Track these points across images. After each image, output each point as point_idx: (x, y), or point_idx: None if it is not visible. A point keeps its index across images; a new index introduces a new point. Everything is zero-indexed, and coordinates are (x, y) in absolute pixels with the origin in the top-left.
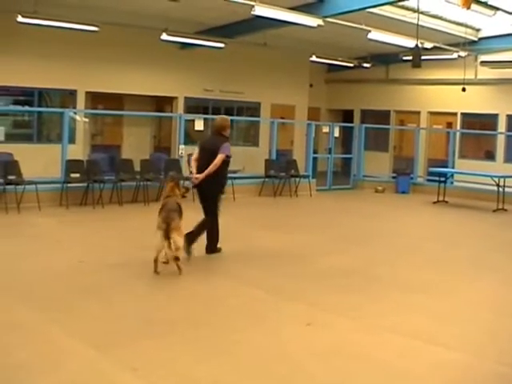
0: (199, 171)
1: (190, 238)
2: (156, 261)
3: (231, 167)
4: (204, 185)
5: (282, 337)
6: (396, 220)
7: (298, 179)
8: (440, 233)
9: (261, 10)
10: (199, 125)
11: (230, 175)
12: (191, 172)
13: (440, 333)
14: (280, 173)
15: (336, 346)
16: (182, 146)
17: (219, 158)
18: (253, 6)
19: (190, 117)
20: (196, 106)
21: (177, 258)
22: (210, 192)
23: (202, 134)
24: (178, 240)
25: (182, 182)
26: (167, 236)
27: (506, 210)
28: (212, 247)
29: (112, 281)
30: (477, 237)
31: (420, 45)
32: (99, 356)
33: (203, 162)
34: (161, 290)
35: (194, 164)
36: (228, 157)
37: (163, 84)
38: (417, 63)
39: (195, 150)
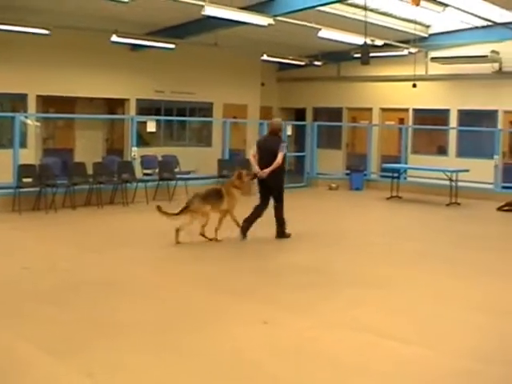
0: (260, 167)
1: (247, 224)
2: (176, 232)
3: (184, 168)
4: (269, 178)
5: (239, 336)
6: (350, 216)
7: None
8: (394, 228)
9: (211, 10)
10: (151, 126)
11: (182, 176)
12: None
13: (398, 328)
14: (233, 172)
15: (294, 344)
16: (134, 148)
17: (280, 156)
18: (203, 6)
19: (142, 119)
20: (148, 108)
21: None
22: (276, 184)
23: (154, 136)
24: (187, 219)
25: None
26: (180, 212)
27: (459, 204)
28: (282, 232)
29: (63, 286)
30: (431, 231)
31: (370, 42)
32: (55, 362)
33: (264, 159)
34: (113, 293)
35: (253, 160)
36: (285, 154)
37: (115, 86)
38: (365, 60)
39: (253, 148)
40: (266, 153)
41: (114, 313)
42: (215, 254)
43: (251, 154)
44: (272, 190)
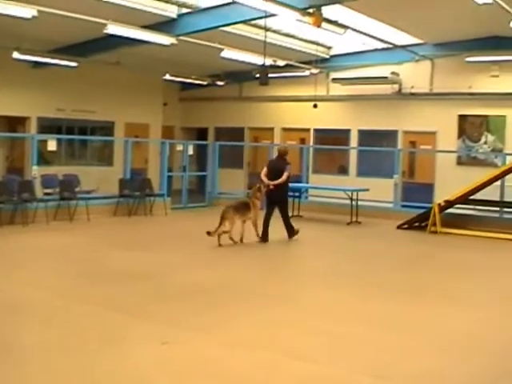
0: None
1: (264, 231)
2: (218, 236)
3: (85, 188)
4: (276, 193)
5: (137, 357)
6: (251, 236)
7: (152, 198)
8: (295, 247)
9: (114, 29)
10: (52, 145)
11: (82, 196)
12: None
13: (301, 346)
14: (134, 192)
15: (194, 365)
16: (34, 167)
17: (286, 175)
18: (106, 25)
19: (42, 137)
20: (49, 126)
21: (224, 232)
22: (281, 198)
23: (55, 155)
24: (227, 226)
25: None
26: (220, 222)
27: (359, 223)
28: (292, 233)
29: None
30: (331, 249)
31: (272, 62)
32: None
33: (272, 177)
34: (8, 316)
35: (265, 178)
36: (289, 174)
37: (15, 104)
38: (264, 81)
39: (264, 169)
40: (274, 171)
41: (14, 335)
42: (115, 278)
43: (262, 173)
44: (277, 202)
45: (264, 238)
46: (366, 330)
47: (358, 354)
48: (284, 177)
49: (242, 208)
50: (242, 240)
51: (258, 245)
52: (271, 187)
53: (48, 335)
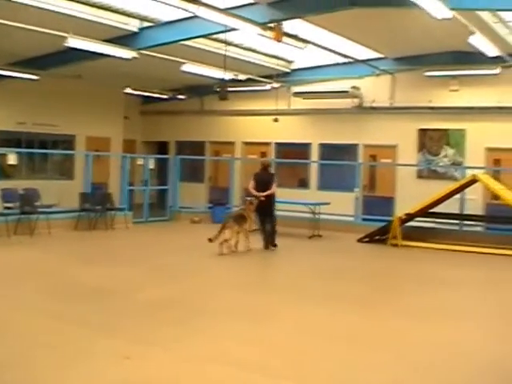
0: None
1: (265, 239)
2: (220, 245)
3: (45, 202)
4: (266, 204)
5: (100, 372)
6: (210, 250)
7: (113, 212)
8: (256, 260)
9: (74, 42)
10: (12, 159)
11: (43, 210)
12: (253, 195)
13: (261, 360)
14: (95, 206)
15: (155, 380)
16: None
17: (274, 186)
18: (66, 38)
19: (2, 151)
20: (9, 140)
21: (225, 241)
22: (270, 208)
23: (15, 169)
24: (227, 234)
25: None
26: (221, 231)
27: (320, 236)
28: (272, 243)
29: None
30: (292, 263)
31: (234, 77)
32: None
33: (260, 189)
34: None
35: (254, 190)
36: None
37: None
38: (223, 96)
39: (251, 182)
40: (262, 184)
41: None
42: (77, 293)
43: (250, 186)
44: (267, 213)
45: (267, 245)
46: (326, 343)
47: (317, 367)
48: (273, 188)
49: (240, 219)
50: (236, 247)
51: (223, 257)
52: (262, 199)
53: (8, 351)
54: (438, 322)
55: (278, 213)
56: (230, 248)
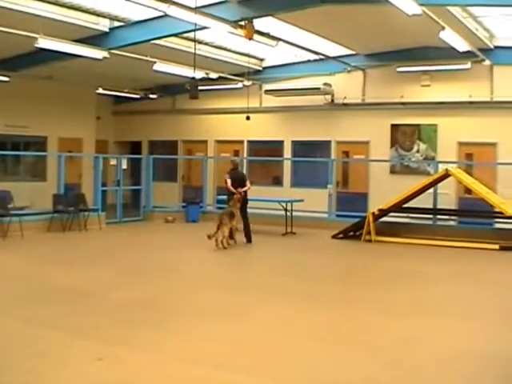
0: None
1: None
2: (216, 241)
3: (18, 204)
4: (242, 200)
5: (72, 373)
6: (185, 249)
7: (87, 213)
8: (229, 259)
9: (45, 43)
10: None
11: (15, 212)
12: (233, 191)
13: (234, 358)
14: (68, 207)
15: (129, 382)
16: None
17: (249, 183)
18: (36, 39)
19: None
20: None
21: (224, 237)
22: (246, 205)
23: None
24: (225, 231)
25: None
26: (218, 228)
27: (294, 234)
28: (250, 238)
29: None
30: (265, 261)
31: (205, 75)
32: None
33: (237, 186)
34: None
35: (232, 187)
36: None
37: None
38: (194, 94)
39: (228, 181)
40: (237, 181)
41: None
42: (50, 296)
43: (229, 184)
44: (243, 208)
45: (250, 239)
46: (300, 341)
47: (292, 365)
48: (249, 184)
49: (231, 216)
50: (228, 243)
51: (196, 256)
52: (243, 194)
53: None
54: (411, 317)
55: (251, 210)
56: (223, 244)
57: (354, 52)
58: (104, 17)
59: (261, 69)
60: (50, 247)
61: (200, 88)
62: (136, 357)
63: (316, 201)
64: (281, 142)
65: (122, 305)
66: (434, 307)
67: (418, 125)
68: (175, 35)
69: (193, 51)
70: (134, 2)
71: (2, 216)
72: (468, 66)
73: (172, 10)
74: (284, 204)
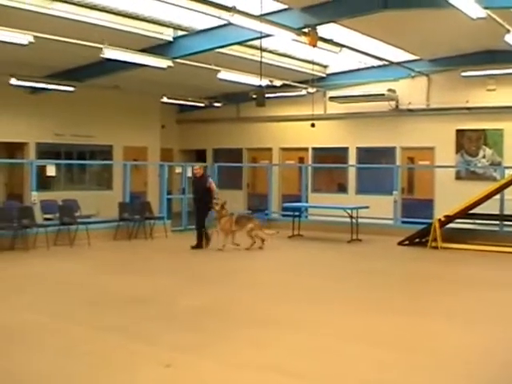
0: None
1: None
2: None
3: (84, 212)
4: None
5: (140, 379)
6: (253, 256)
7: (152, 221)
8: (295, 266)
9: (110, 53)
10: (51, 170)
11: (82, 220)
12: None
13: (299, 365)
14: (134, 215)
15: None
16: (34, 193)
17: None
18: (102, 49)
19: (41, 163)
20: (48, 151)
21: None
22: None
23: (54, 180)
24: (258, 234)
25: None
26: (251, 237)
27: (360, 241)
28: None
29: None
30: (332, 268)
31: (269, 83)
32: None
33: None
34: (12, 341)
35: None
36: None
37: (13, 130)
38: (261, 102)
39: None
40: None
41: (20, 361)
42: (117, 303)
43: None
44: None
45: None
46: (364, 348)
47: (353, 371)
48: (211, 183)
49: (247, 218)
50: (224, 246)
51: (260, 261)
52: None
53: (48, 361)
54: (478, 324)
55: (316, 218)
56: (238, 245)
57: (417, 57)
58: (167, 26)
59: (325, 76)
60: (117, 255)
61: (266, 96)
62: (203, 363)
63: (381, 207)
64: (345, 149)
65: (187, 312)
66: (501, 315)
67: (483, 130)
68: (239, 43)
69: (256, 59)
70: (197, 11)
71: (70, 224)
72: None
73: (235, 19)
74: (349, 211)
